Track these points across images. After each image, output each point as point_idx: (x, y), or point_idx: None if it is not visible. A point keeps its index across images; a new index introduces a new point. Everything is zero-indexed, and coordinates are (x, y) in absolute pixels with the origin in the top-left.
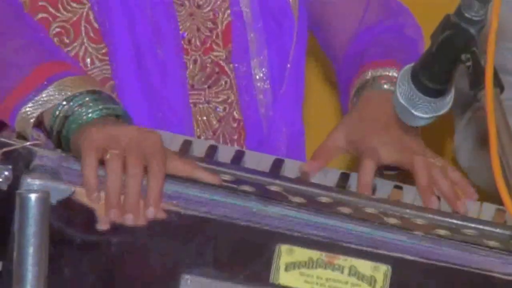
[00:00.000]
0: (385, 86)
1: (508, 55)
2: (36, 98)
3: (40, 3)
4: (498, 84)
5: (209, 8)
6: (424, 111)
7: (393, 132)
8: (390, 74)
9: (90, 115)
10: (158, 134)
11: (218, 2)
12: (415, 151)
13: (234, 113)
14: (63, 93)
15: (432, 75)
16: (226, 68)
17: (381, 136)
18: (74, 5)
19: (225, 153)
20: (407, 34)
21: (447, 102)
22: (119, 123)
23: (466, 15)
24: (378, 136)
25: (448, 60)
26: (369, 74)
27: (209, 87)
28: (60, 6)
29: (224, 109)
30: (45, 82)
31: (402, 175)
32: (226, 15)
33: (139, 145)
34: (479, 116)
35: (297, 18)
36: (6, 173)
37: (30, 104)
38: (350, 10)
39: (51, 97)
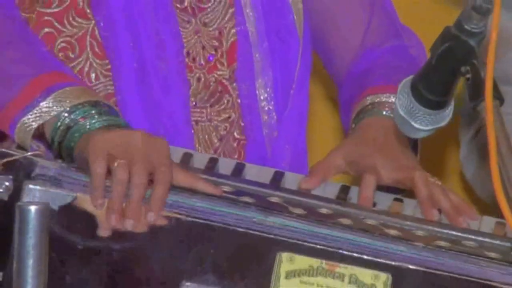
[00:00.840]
0: (384, 113)
1: None
2: (36, 109)
3: (45, 18)
4: (498, 96)
5: (215, 26)
6: (424, 123)
7: (391, 153)
8: (390, 100)
9: (93, 125)
10: (166, 142)
11: (225, 21)
12: (414, 168)
13: (235, 132)
14: (62, 104)
15: (431, 87)
16: (229, 87)
17: (380, 157)
18: (80, 20)
19: (226, 166)
20: (411, 54)
21: (447, 114)
22: (125, 129)
23: (466, 27)
24: (377, 157)
25: (448, 72)
26: (368, 100)
27: (211, 105)
28: (65, 21)
29: (225, 128)
30: (45, 93)
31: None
32: (231, 34)
33: (146, 153)
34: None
35: (302, 38)
36: (7, 183)
37: (29, 115)
38: (351, 30)
39: (51, 108)
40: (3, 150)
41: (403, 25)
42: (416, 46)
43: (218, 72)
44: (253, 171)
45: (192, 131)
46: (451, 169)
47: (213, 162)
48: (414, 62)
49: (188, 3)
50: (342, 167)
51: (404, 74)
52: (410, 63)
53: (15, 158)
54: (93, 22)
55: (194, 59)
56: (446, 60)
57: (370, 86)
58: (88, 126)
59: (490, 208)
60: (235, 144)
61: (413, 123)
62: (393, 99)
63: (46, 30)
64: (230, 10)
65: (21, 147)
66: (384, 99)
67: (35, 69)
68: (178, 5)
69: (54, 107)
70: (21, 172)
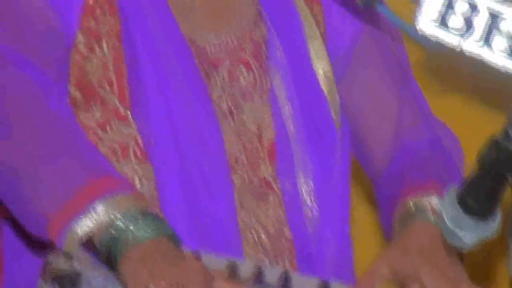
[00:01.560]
0: (429, 216)
1: None
2: (84, 221)
3: (88, 123)
4: None
5: (254, 125)
6: (471, 233)
7: (437, 264)
8: (432, 202)
9: (138, 237)
10: (201, 279)
11: (263, 118)
12: (461, 282)
13: (284, 230)
14: (112, 215)
15: (478, 196)
16: (274, 185)
17: (426, 269)
18: (122, 127)
19: (272, 276)
20: (444, 146)
21: (495, 223)
22: (164, 261)
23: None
24: (423, 269)
25: (495, 180)
26: (411, 203)
27: (257, 204)
28: (107, 127)
29: (274, 225)
30: (94, 202)
31: None
32: (270, 131)
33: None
34: None
35: (340, 132)
36: None
37: (78, 225)
38: (382, 127)
39: (100, 219)
40: (50, 259)
41: (432, 113)
42: (448, 135)
43: (261, 170)
44: (299, 282)
45: (239, 233)
46: (500, 275)
47: (258, 271)
48: (449, 153)
49: (227, 105)
50: (387, 275)
51: (440, 169)
52: (445, 155)
53: (61, 268)
54: (135, 127)
55: (236, 160)
56: (492, 169)
57: (409, 186)
58: (131, 239)
59: None
60: (285, 242)
61: (460, 234)
62: (435, 200)
63: (89, 136)
64: (267, 108)
65: (67, 256)
66: (425, 202)
67: (82, 176)
68: (217, 109)
69: (104, 217)
70: (68, 283)
